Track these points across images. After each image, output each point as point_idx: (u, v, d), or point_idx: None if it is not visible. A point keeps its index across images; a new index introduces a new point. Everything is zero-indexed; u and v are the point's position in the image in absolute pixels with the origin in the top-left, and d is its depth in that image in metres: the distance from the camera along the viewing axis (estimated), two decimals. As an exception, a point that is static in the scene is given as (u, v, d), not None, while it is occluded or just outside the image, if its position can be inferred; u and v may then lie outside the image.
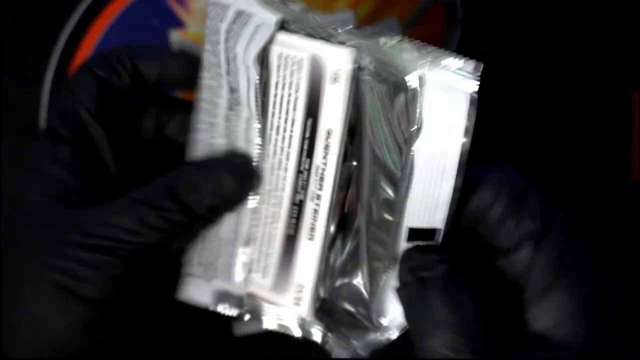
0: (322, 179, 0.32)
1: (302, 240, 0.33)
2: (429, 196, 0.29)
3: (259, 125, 0.32)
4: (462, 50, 0.52)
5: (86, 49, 0.52)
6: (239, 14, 0.31)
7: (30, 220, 0.32)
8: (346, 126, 0.31)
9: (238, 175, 0.32)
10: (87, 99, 0.34)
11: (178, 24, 0.52)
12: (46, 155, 0.33)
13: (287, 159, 0.32)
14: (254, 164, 0.33)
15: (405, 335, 0.51)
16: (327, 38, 0.30)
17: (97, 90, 0.34)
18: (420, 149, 0.29)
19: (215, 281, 0.35)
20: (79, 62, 0.51)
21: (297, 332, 0.36)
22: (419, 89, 0.29)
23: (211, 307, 0.36)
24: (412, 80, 0.29)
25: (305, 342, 0.51)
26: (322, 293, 0.34)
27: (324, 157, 0.31)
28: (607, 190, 0.51)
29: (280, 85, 0.31)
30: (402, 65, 0.29)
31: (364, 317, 0.34)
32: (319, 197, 0.32)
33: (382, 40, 0.30)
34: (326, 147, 0.31)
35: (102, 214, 0.31)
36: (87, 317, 0.30)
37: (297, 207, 0.33)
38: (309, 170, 0.32)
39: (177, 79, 0.36)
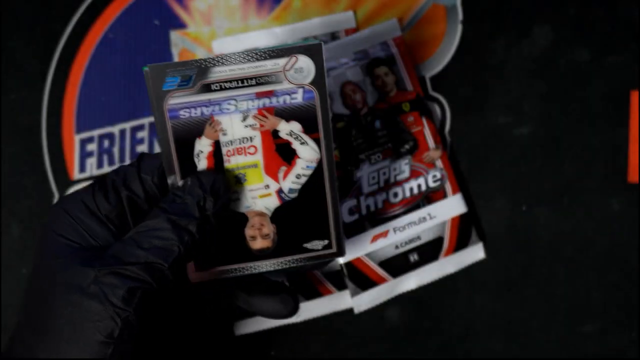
0: None
1: None
2: None
3: None
4: (462, 50, 0.52)
5: (87, 49, 0.52)
6: None
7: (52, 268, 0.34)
8: None
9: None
10: (149, 180, 0.36)
11: (178, 24, 0.52)
12: (86, 202, 0.35)
13: None
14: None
15: (409, 332, 0.51)
16: None
17: (157, 182, 0.36)
18: None
19: None
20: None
21: None
22: None
23: None
24: None
25: (305, 340, 0.51)
26: None
27: None
28: (607, 191, 0.51)
29: None
30: None
31: None
32: None
33: None
34: None
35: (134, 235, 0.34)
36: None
37: None
38: None
39: None
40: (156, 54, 0.52)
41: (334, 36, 0.51)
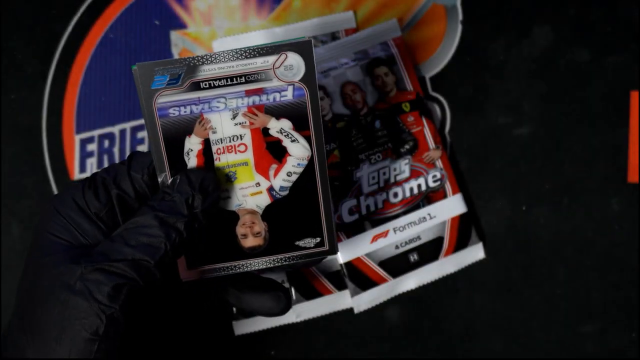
0: None
1: None
2: None
3: None
4: (462, 50, 0.52)
5: (87, 49, 0.52)
6: None
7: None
8: None
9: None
10: (139, 179, 0.36)
11: (178, 24, 0.52)
12: (76, 200, 0.35)
13: None
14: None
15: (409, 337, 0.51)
16: None
17: (148, 179, 0.36)
18: None
19: None
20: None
21: None
22: None
23: None
24: None
25: (305, 340, 0.51)
26: None
27: None
28: (606, 191, 0.51)
29: None
30: None
31: None
32: None
33: None
34: None
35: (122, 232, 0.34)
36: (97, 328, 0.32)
37: None
38: None
39: None
40: (156, 54, 0.52)
41: (334, 36, 0.51)
